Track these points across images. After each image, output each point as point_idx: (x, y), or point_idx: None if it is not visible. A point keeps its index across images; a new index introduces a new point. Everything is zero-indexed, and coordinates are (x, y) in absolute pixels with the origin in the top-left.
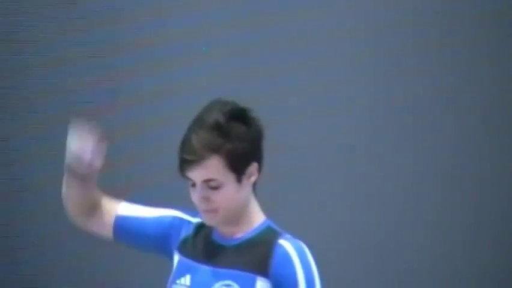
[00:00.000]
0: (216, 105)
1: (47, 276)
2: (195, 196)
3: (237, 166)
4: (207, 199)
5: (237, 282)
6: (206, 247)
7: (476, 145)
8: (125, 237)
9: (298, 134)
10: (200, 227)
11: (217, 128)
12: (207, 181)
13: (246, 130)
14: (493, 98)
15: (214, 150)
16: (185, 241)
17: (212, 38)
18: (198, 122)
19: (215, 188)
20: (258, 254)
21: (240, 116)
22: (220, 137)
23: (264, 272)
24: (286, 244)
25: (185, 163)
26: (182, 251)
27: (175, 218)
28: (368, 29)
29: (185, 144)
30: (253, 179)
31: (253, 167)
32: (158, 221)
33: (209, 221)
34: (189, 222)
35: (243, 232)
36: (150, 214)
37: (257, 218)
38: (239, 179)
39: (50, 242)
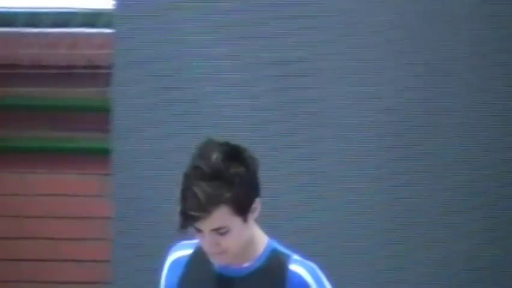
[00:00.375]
0: (210, 149)
1: None
2: (204, 242)
3: (243, 209)
4: (216, 244)
5: None
6: (213, 283)
7: None
8: None
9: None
10: (190, 263)
11: (218, 177)
12: (215, 229)
13: (245, 171)
14: None
15: (220, 201)
16: (181, 283)
17: None
18: (197, 172)
19: (223, 234)
20: (272, 284)
21: (236, 157)
22: (223, 187)
23: None
24: (299, 270)
25: (191, 218)
26: None
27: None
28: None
29: (188, 199)
30: (257, 212)
31: (256, 202)
32: None
33: (219, 262)
34: (171, 267)
35: (250, 260)
36: None
37: (261, 242)
38: (245, 219)
39: None
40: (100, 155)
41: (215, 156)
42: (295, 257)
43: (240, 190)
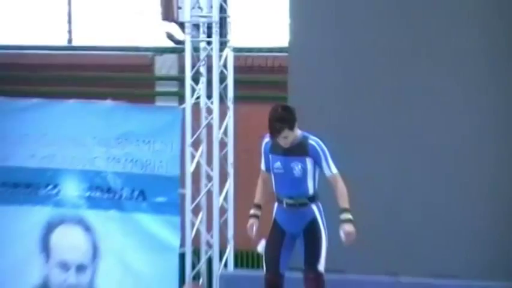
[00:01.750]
0: (277, 107)
1: None
2: (279, 139)
3: (292, 128)
4: (284, 139)
5: (300, 161)
6: (280, 149)
7: None
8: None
9: None
10: (272, 143)
11: (282, 119)
12: (283, 136)
13: (290, 115)
14: None
15: (283, 128)
16: (270, 149)
17: None
18: (274, 116)
19: (286, 137)
20: (303, 148)
21: (286, 109)
22: (284, 122)
23: (307, 155)
24: (312, 141)
25: (274, 134)
26: (273, 152)
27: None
28: None
29: (271, 127)
30: (296, 125)
31: (296, 123)
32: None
33: (285, 145)
34: (266, 143)
35: (294, 141)
36: None
37: (299, 134)
38: (293, 129)
39: None
40: None
41: (280, 109)
42: (312, 137)
43: (290, 122)
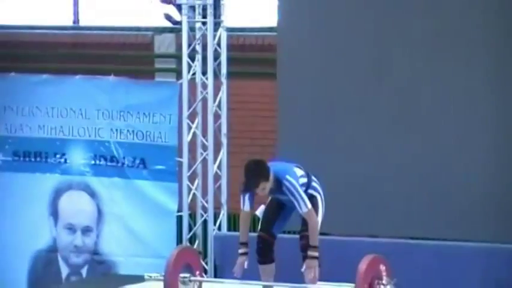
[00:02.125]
0: (250, 165)
1: None
2: (258, 190)
3: (268, 177)
4: (264, 190)
5: (282, 194)
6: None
7: None
8: None
9: None
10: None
11: (255, 174)
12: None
13: (262, 169)
14: None
15: (259, 182)
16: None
17: None
18: (248, 174)
19: (264, 188)
20: (279, 188)
21: (258, 164)
22: (258, 177)
23: (284, 193)
24: (285, 181)
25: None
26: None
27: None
28: None
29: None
30: (271, 177)
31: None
32: None
33: (263, 194)
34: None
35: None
36: None
37: (271, 178)
38: (268, 180)
39: None
40: None
41: (252, 165)
42: (285, 177)
43: (264, 174)
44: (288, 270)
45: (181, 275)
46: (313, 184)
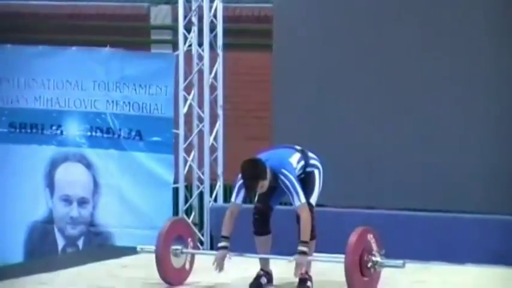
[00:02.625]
0: (249, 163)
1: None
2: (257, 189)
3: (265, 176)
4: (262, 187)
5: (277, 188)
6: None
7: None
8: None
9: None
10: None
11: (254, 171)
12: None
13: (261, 170)
14: None
15: (258, 180)
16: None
17: None
18: (247, 173)
19: (262, 186)
20: (275, 182)
21: (257, 163)
22: (257, 178)
23: (279, 186)
24: (282, 176)
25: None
26: None
27: (240, 185)
28: None
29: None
30: (268, 174)
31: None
32: None
33: (262, 191)
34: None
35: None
36: None
37: (269, 174)
38: (265, 179)
39: None
40: None
41: (250, 167)
42: (282, 171)
43: (262, 174)
44: (284, 242)
45: (173, 247)
46: (311, 162)
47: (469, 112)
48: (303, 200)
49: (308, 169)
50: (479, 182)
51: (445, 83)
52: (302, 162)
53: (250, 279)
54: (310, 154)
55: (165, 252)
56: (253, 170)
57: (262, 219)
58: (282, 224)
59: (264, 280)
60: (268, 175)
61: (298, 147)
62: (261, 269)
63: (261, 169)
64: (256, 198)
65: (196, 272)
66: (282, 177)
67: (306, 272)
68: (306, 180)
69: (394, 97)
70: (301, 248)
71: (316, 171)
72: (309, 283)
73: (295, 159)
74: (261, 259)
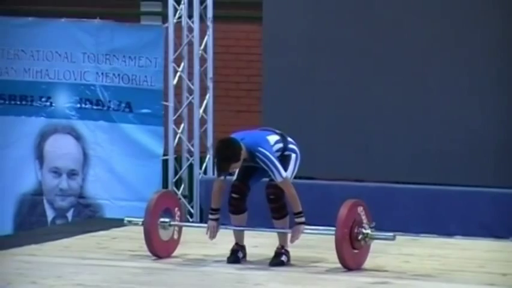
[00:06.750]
0: (223, 144)
1: None
2: (231, 170)
3: (238, 158)
4: (235, 168)
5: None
6: None
7: None
8: None
9: None
10: None
11: (227, 154)
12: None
13: (233, 151)
14: None
15: (230, 163)
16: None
17: None
18: (219, 156)
19: (236, 167)
20: (253, 160)
21: (229, 145)
22: (229, 159)
23: (258, 163)
24: (258, 153)
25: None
26: None
27: None
28: None
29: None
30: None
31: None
32: None
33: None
34: None
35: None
36: None
37: (244, 151)
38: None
39: None
40: None
41: (223, 149)
42: (258, 149)
43: (235, 156)
44: (261, 214)
45: (161, 219)
46: (290, 146)
47: (456, 84)
48: (284, 174)
49: (286, 152)
50: (467, 155)
51: (435, 53)
52: (280, 145)
53: None
54: (290, 139)
55: (153, 226)
56: (225, 152)
57: (239, 198)
58: (258, 196)
59: (240, 254)
60: (243, 155)
61: (278, 131)
62: (236, 243)
63: (234, 151)
64: (235, 176)
65: (185, 244)
66: (259, 155)
67: (283, 247)
68: (282, 162)
69: (385, 68)
70: (298, 219)
71: (293, 155)
72: (284, 257)
73: (273, 139)
74: (235, 233)
